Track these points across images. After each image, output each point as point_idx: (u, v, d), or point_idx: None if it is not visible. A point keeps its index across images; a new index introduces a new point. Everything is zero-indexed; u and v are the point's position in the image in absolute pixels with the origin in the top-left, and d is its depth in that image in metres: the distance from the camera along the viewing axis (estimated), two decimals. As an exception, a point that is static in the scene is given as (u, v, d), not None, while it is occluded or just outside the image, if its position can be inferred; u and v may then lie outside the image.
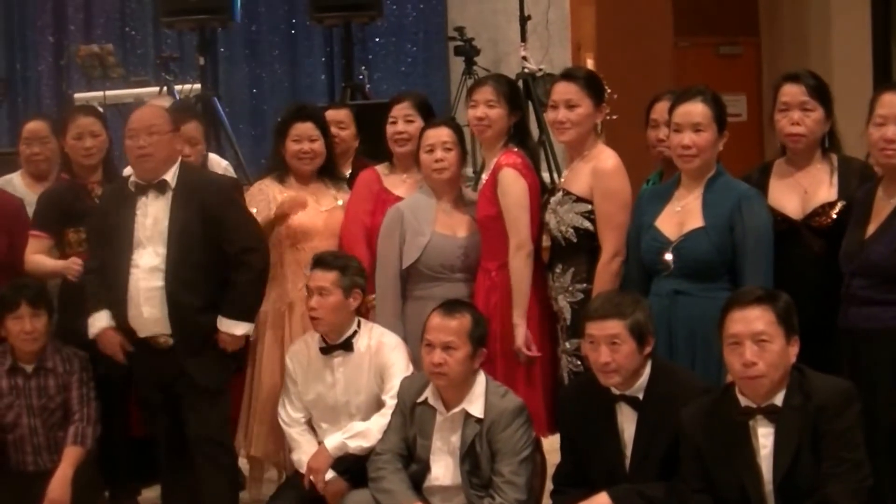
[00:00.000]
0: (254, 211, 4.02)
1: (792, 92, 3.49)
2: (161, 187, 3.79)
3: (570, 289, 3.71)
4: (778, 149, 3.63)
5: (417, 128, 4.09)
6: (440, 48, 9.16)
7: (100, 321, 3.82)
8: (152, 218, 3.78)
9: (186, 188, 3.79)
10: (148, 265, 3.76)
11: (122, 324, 3.80)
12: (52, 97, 9.21)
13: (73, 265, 4.03)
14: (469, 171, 4.01)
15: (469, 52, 7.82)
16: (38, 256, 4.11)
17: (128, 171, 4.83)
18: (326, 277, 3.73)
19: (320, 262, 3.80)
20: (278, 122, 4.30)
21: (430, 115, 4.19)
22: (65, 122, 4.33)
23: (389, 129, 4.16)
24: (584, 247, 3.68)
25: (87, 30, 9.23)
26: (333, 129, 4.38)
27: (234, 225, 3.78)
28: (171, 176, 3.80)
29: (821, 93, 3.48)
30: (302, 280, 4.01)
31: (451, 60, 8.78)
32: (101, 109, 5.22)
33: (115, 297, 3.78)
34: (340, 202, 4.17)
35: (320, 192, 4.17)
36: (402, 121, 4.12)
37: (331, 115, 4.49)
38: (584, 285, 3.67)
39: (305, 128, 4.13)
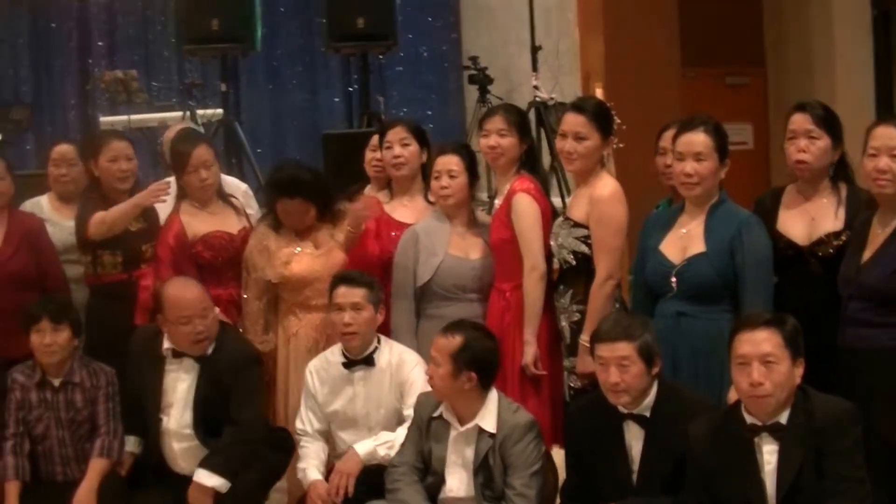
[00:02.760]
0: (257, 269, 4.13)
1: (798, 120, 3.58)
2: (200, 360, 3.88)
3: (569, 309, 3.83)
4: (789, 175, 3.71)
5: (413, 151, 4.20)
6: (455, 77, 9.20)
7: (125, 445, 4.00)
8: (184, 384, 3.89)
9: (214, 360, 3.88)
10: (174, 430, 3.89)
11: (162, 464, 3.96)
12: (78, 121, 9.24)
13: (156, 189, 4.12)
14: (484, 195, 4.13)
15: (483, 80, 7.79)
16: (101, 212, 4.21)
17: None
18: (359, 293, 3.83)
19: (348, 279, 3.88)
20: (269, 182, 4.32)
21: (425, 139, 4.26)
22: (96, 145, 4.42)
23: (386, 154, 4.24)
24: (581, 270, 3.79)
25: (111, 56, 9.29)
26: (380, 154, 4.45)
27: (235, 400, 3.84)
28: (211, 349, 3.89)
29: (828, 123, 3.56)
30: (307, 317, 4.13)
31: (465, 88, 8.80)
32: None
33: (152, 450, 3.95)
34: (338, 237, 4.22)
35: (314, 234, 4.22)
36: (398, 144, 4.21)
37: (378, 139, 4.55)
38: (582, 306, 3.78)
39: (293, 204, 4.14)
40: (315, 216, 4.19)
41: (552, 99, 6.98)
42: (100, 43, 9.39)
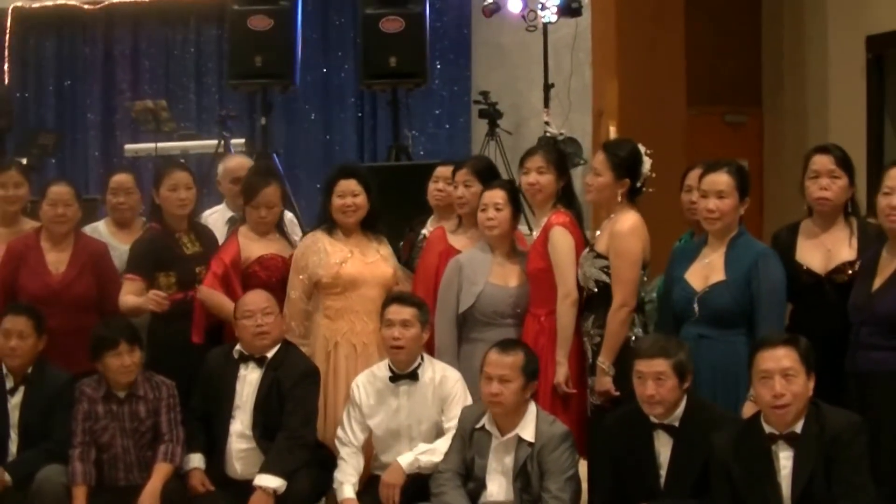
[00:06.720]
0: (309, 262, 4.37)
1: (822, 161, 3.85)
2: (261, 362, 4.23)
3: (591, 333, 4.09)
4: (804, 211, 3.99)
5: (474, 192, 4.40)
6: (465, 111, 9.43)
7: (193, 462, 4.27)
8: (248, 388, 4.21)
9: (276, 365, 4.21)
10: (238, 431, 4.21)
11: (220, 470, 4.24)
12: (100, 148, 9.46)
13: (154, 297, 4.37)
14: (535, 233, 4.42)
15: (493, 115, 8.08)
16: (128, 297, 4.48)
17: (206, 213, 5.20)
18: (409, 312, 4.12)
19: (401, 299, 4.20)
20: (325, 180, 4.61)
21: (489, 177, 4.48)
22: (159, 174, 4.66)
23: (453, 191, 4.51)
24: (602, 297, 4.04)
25: (133, 85, 9.51)
26: (441, 185, 4.74)
27: (289, 407, 4.16)
28: (272, 353, 4.24)
29: (846, 163, 3.87)
30: (348, 324, 4.38)
31: (474, 122, 9.06)
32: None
33: (217, 452, 4.24)
34: (382, 253, 4.50)
35: (363, 245, 4.49)
36: (462, 186, 4.48)
37: (441, 171, 4.80)
38: (601, 330, 4.03)
39: (349, 184, 4.45)
40: (364, 209, 4.45)
41: (562, 134, 7.18)
42: (123, 72, 9.61)
